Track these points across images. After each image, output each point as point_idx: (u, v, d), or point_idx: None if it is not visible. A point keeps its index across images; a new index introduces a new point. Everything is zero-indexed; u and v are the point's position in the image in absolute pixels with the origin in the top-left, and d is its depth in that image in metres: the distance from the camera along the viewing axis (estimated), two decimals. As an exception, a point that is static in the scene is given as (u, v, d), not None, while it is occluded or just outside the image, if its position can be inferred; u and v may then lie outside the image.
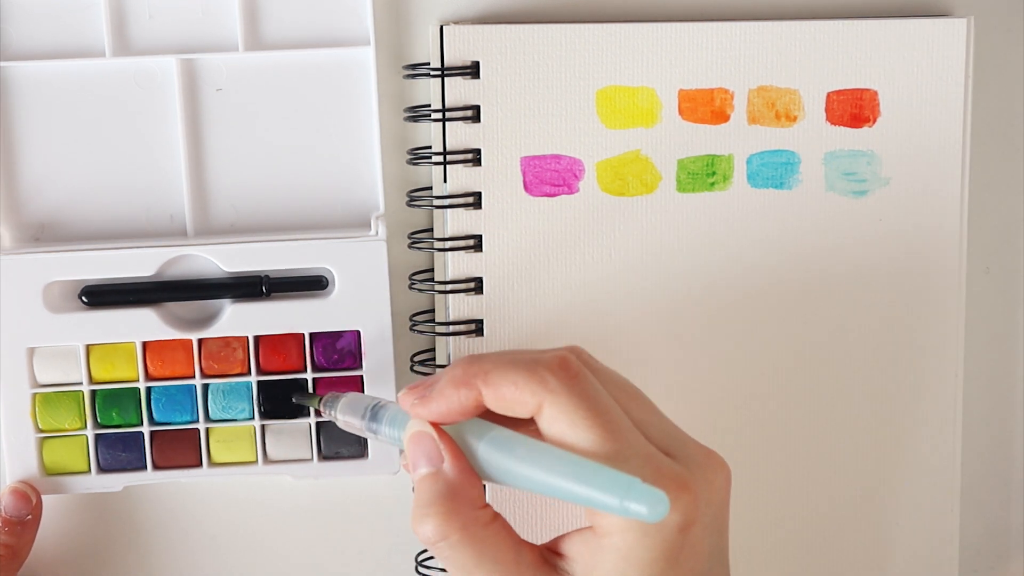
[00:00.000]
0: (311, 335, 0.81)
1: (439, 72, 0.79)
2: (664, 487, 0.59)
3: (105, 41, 0.79)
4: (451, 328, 0.81)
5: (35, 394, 0.81)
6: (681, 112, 0.80)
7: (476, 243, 0.80)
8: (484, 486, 0.65)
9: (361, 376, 0.82)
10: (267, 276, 0.81)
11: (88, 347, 0.80)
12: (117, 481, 0.82)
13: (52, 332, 0.80)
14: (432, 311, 0.83)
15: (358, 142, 0.82)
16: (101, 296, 0.81)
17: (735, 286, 0.82)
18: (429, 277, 0.82)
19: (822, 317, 0.83)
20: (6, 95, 0.80)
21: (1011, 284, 0.87)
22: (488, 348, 0.81)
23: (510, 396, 0.63)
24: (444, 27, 0.79)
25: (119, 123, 0.81)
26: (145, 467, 0.82)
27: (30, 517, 0.81)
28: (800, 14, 0.82)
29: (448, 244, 0.80)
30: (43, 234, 0.81)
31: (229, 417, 0.82)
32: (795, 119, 0.81)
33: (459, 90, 0.79)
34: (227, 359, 0.81)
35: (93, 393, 0.81)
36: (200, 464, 0.82)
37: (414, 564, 0.85)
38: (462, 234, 0.80)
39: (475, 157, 0.80)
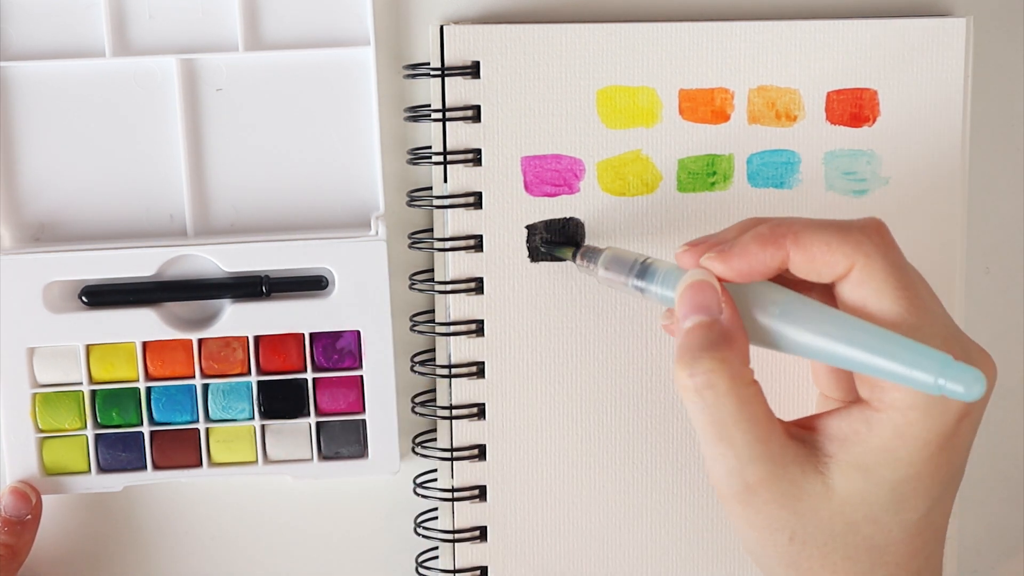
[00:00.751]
0: (311, 335, 0.81)
1: (439, 72, 0.79)
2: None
3: (105, 41, 0.79)
4: (451, 328, 0.81)
5: (35, 394, 0.81)
6: (681, 112, 0.80)
7: (476, 243, 0.80)
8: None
9: (361, 376, 0.82)
10: (267, 276, 0.81)
11: (88, 347, 0.80)
12: (117, 481, 0.82)
13: (52, 332, 0.80)
14: (432, 311, 0.83)
15: (358, 142, 0.82)
16: (101, 296, 0.81)
17: (735, 286, 0.82)
18: (429, 277, 0.82)
19: (822, 317, 0.83)
20: (6, 95, 0.80)
21: (1011, 284, 0.87)
22: (488, 348, 0.81)
23: (820, 257, 0.62)
24: (444, 27, 0.79)
25: (119, 123, 0.81)
26: (145, 467, 0.82)
27: (30, 517, 0.81)
28: (800, 14, 0.83)
29: (448, 244, 0.80)
30: (43, 234, 0.81)
31: (229, 417, 0.82)
32: (795, 119, 0.81)
33: (459, 90, 0.79)
34: (227, 359, 0.81)
35: (93, 393, 0.81)
36: (200, 464, 0.82)
37: (414, 564, 0.85)
38: (462, 234, 0.80)
39: (475, 157, 0.80)
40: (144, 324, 0.80)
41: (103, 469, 0.82)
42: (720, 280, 0.64)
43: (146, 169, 0.81)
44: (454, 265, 0.81)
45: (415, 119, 0.81)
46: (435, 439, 0.83)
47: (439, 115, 0.79)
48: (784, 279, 0.66)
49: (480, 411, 0.82)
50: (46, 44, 0.80)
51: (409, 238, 0.82)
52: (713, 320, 0.63)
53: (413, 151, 0.81)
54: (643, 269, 0.71)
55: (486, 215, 0.80)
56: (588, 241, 0.81)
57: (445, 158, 0.80)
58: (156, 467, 0.82)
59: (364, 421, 0.82)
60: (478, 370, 0.81)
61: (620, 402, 0.82)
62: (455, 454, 0.82)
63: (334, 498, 0.85)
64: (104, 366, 0.81)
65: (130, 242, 0.81)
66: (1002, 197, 0.86)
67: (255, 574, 0.86)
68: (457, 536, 0.83)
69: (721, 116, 0.81)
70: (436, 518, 0.84)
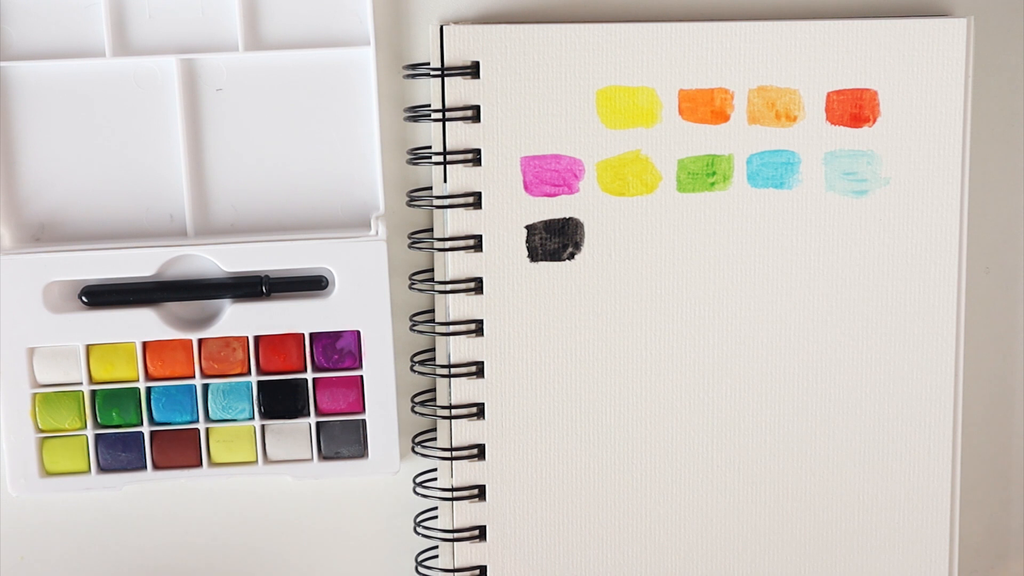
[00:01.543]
0: (311, 335, 0.82)
1: (439, 72, 0.79)
2: None
3: (105, 41, 0.79)
4: (451, 328, 0.81)
5: (35, 394, 0.81)
6: (681, 112, 0.80)
7: (476, 243, 0.80)
8: None
9: (361, 376, 0.82)
10: (267, 276, 0.81)
11: (88, 347, 0.80)
12: (117, 481, 0.82)
13: (52, 332, 0.80)
14: (432, 311, 0.83)
15: (358, 142, 0.82)
16: (101, 296, 0.81)
17: (735, 285, 0.82)
18: (429, 277, 0.82)
19: (821, 317, 0.83)
20: (7, 95, 0.80)
21: (1011, 284, 0.87)
22: (488, 348, 0.81)
23: None
24: (444, 27, 0.79)
25: (119, 123, 0.81)
26: (145, 467, 0.82)
27: None
28: (800, 14, 0.83)
29: (448, 244, 0.80)
30: (43, 234, 0.81)
31: (229, 417, 0.82)
32: (795, 119, 0.81)
33: (459, 90, 0.79)
34: (227, 359, 0.81)
35: (93, 393, 0.81)
36: (200, 464, 0.82)
37: (414, 563, 0.85)
38: (462, 234, 0.80)
39: (475, 157, 0.80)
40: (144, 324, 0.80)
41: (103, 469, 0.82)
42: None
43: (146, 169, 0.81)
44: (454, 265, 0.81)
45: (415, 119, 0.81)
46: (435, 439, 0.83)
47: (439, 115, 0.79)
48: None
49: (480, 411, 0.82)
50: (46, 44, 0.80)
51: (409, 238, 0.82)
52: None
53: (413, 151, 0.81)
54: None
55: (486, 215, 0.80)
56: (586, 241, 0.81)
57: (445, 158, 0.80)
58: (156, 467, 0.82)
59: (364, 421, 0.82)
60: (478, 370, 0.81)
61: (619, 402, 0.82)
62: (455, 454, 0.82)
63: (334, 498, 0.85)
64: (104, 366, 0.81)
65: (130, 242, 0.81)
66: (1002, 197, 0.86)
67: (255, 574, 0.86)
68: (456, 535, 0.83)
69: (721, 116, 0.81)
70: (436, 517, 0.84)
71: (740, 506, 0.84)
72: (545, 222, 0.81)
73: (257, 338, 0.81)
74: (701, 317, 0.82)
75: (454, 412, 0.82)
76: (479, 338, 0.81)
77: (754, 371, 0.83)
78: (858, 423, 0.84)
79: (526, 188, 0.80)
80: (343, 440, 0.83)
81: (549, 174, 0.80)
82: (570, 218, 0.81)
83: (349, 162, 0.82)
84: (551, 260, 0.81)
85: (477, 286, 0.81)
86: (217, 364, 0.81)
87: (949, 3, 0.84)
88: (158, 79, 0.81)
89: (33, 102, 0.80)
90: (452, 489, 0.82)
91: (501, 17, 0.81)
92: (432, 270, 0.82)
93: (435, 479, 0.83)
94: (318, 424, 0.82)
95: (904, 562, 0.86)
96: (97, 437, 0.81)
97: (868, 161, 0.82)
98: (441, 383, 0.82)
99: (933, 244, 0.83)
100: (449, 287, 0.81)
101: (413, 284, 0.82)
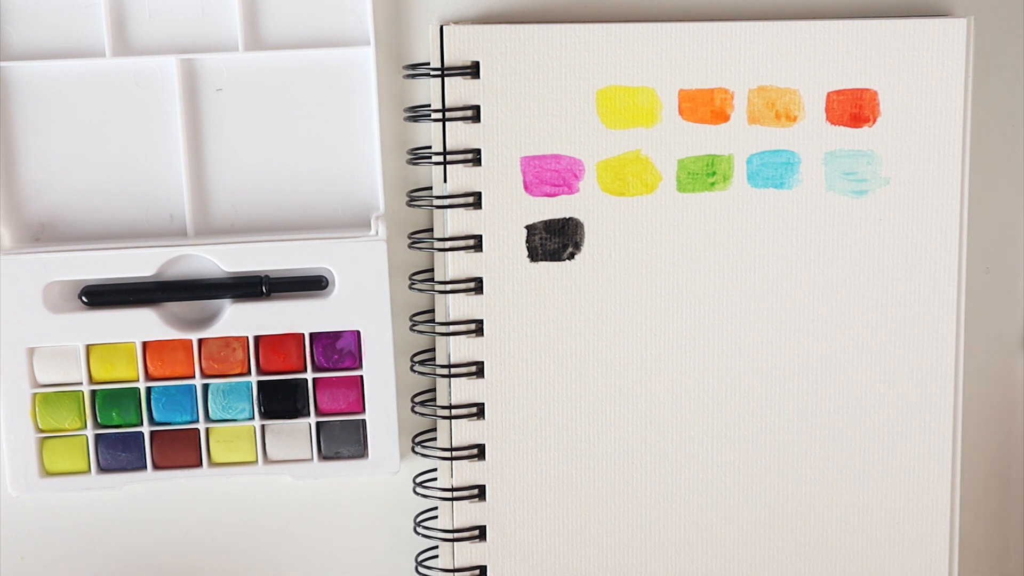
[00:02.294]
0: (311, 335, 0.82)
1: (439, 72, 0.79)
2: None
3: (105, 41, 0.79)
4: (451, 328, 0.81)
5: (35, 394, 0.81)
6: (681, 112, 0.80)
7: (476, 243, 0.80)
8: None
9: (361, 376, 0.82)
10: (267, 276, 0.81)
11: (88, 347, 0.81)
12: (117, 481, 0.82)
13: (52, 332, 0.80)
14: (432, 311, 0.83)
15: (358, 142, 0.82)
16: (101, 296, 0.81)
17: (735, 286, 0.82)
18: (429, 277, 0.82)
19: (821, 317, 0.83)
20: (6, 95, 0.80)
21: (1011, 284, 0.87)
22: (488, 348, 0.81)
23: None
24: (444, 27, 0.79)
25: (119, 123, 0.81)
26: (145, 467, 0.82)
27: None
28: (800, 14, 0.83)
29: (448, 244, 0.80)
30: (43, 234, 0.81)
31: (229, 417, 0.82)
32: (795, 119, 0.81)
33: (459, 90, 0.79)
34: (227, 359, 0.81)
35: (93, 393, 0.81)
36: (200, 464, 0.82)
37: (414, 564, 0.85)
38: (462, 234, 0.80)
39: (475, 157, 0.80)
40: (144, 324, 0.81)
41: (103, 469, 0.82)
42: None
43: (146, 169, 0.81)
44: (454, 265, 0.81)
45: (415, 119, 0.81)
46: (435, 439, 0.83)
47: (439, 115, 0.79)
48: None
49: (479, 411, 0.82)
50: (46, 44, 0.80)
51: (409, 238, 0.82)
52: None
53: (413, 151, 0.81)
54: None
55: (486, 215, 0.80)
56: (586, 241, 0.81)
57: (445, 158, 0.80)
58: (156, 467, 0.82)
59: (364, 421, 0.82)
60: (477, 370, 0.81)
61: (619, 402, 0.82)
62: (454, 453, 0.82)
63: (334, 497, 0.85)
64: (104, 366, 0.81)
65: (130, 242, 0.81)
66: (1002, 197, 0.86)
67: (255, 574, 0.86)
68: (456, 535, 0.83)
69: (721, 116, 0.81)
70: (436, 517, 0.84)
71: (740, 505, 0.84)
72: (545, 222, 0.81)
73: (257, 338, 0.81)
74: (701, 317, 0.82)
75: (454, 412, 0.82)
76: (479, 338, 0.81)
77: (754, 371, 0.83)
78: (858, 423, 0.84)
79: (526, 188, 0.80)
80: (343, 440, 0.83)
81: (549, 174, 0.80)
82: (570, 218, 0.81)
83: (349, 162, 0.82)
84: (551, 260, 0.81)
85: (477, 286, 0.81)
86: (217, 364, 0.81)
87: (949, 3, 0.84)
88: (158, 79, 0.81)
89: (33, 102, 0.80)
90: (452, 489, 0.82)
91: (501, 17, 0.81)
92: (432, 270, 0.82)
93: (435, 479, 0.83)
94: (318, 424, 0.82)
95: (904, 562, 0.86)
96: (97, 437, 0.81)
97: (868, 161, 0.82)
98: (441, 383, 0.82)
99: (933, 244, 0.83)
100: (449, 287, 0.81)
101: (413, 284, 0.82)
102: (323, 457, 0.83)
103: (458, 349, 0.81)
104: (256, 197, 0.82)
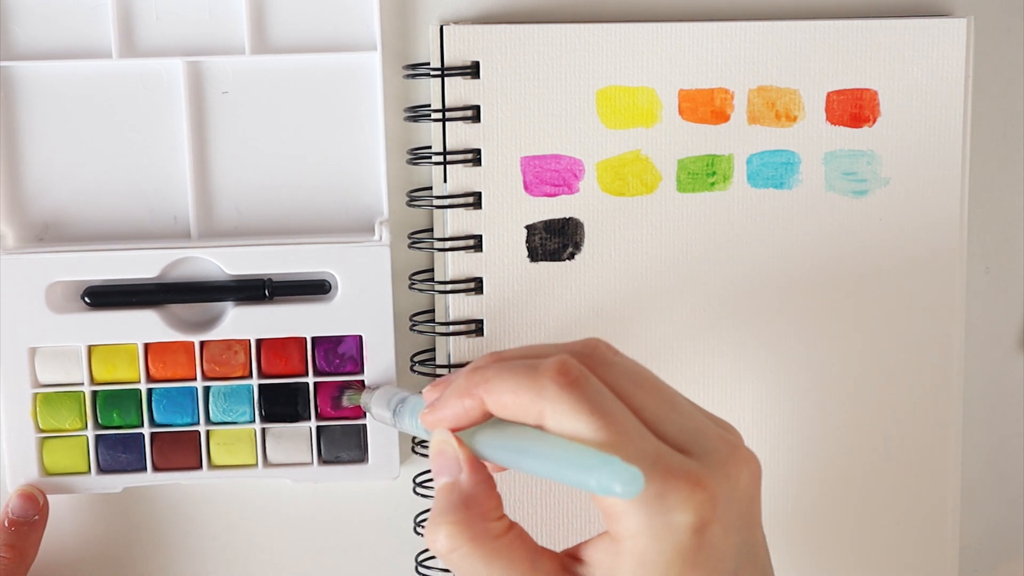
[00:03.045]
0: (313, 339, 0.81)
1: (439, 72, 0.79)
2: (674, 485, 0.58)
3: (112, 42, 0.80)
4: (451, 328, 0.81)
5: (36, 394, 0.81)
6: (681, 112, 0.81)
7: (476, 243, 0.80)
8: (500, 497, 0.65)
9: (362, 381, 0.82)
10: (270, 279, 0.81)
11: (90, 348, 0.81)
12: (117, 482, 0.82)
13: (54, 332, 0.80)
14: (432, 311, 0.83)
15: (363, 146, 0.82)
16: (103, 297, 0.81)
17: (735, 286, 0.82)
18: (429, 277, 0.82)
19: (822, 317, 0.83)
20: (12, 95, 0.81)
21: (1011, 284, 0.87)
22: (488, 348, 0.81)
23: (511, 403, 0.63)
24: (444, 27, 0.79)
25: (124, 124, 0.81)
26: (145, 468, 0.82)
27: (37, 518, 0.81)
28: (800, 14, 0.83)
29: (448, 244, 0.80)
30: (47, 234, 0.82)
31: (230, 420, 0.82)
32: (795, 119, 0.81)
33: (459, 90, 0.79)
34: (228, 362, 0.81)
35: (94, 394, 0.81)
36: (200, 466, 0.82)
37: (414, 564, 0.84)
38: (462, 234, 0.80)
39: (475, 157, 0.80)
40: (146, 325, 0.81)
41: (103, 470, 0.82)
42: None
43: (150, 171, 0.82)
44: (453, 265, 0.81)
45: (415, 119, 0.81)
46: (435, 439, 0.83)
47: (439, 115, 0.80)
48: None
49: (479, 411, 0.82)
50: (52, 44, 0.80)
51: (409, 238, 0.82)
52: (454, 481, 0.65)
53: (413, 151, 0.81)
54: (398, 405, 0.74)
55: (486, 215, 0.80)
56: (586, 241, 0.81)
57: (445, 158, 0.80)
58: (156, 469, 0.82)
59: (364, 426, 0.82)
60: (477, 370, 0.81)
61: (619, 402, 0.82)
62: (454, 454, 0.82)
63: (334, 497, 0.85)
64: (105, 367, 0.81)
65: (133, 243, 0.81)
66: (1002, 197, 0.86)
67: (254, 575, 0.86)
68: (455, 536, 0.83)
69: (721, 116, 0.81)
70: (435, 518, 0.83)
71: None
72: (545, 222, 0.81)
73: (259, 341, 0.81)
74: (701, 317, 0.82)
75: (454, 412, 0.82)
76: (479, 338, 0.81)
77: (753, 370, 0.83)
78: (858, 423, 0.84)
79: (526, 188, 0.80)
80: (343, 444, 0.82)
81: (549, 174, 0.80)
82: (570, 218, 0.81)
83: (354, 166, 0.82)
84: (551, 260, 0.81)
85: (477, 286, 0.81)
86: (218, 367, 0.81)
87: (949, 3, 0.84)
88: (164, 81, 0.81)
89: (39, 102, 0.81)
90: (451, 490, 0.82)
91: (501, 17, 0.81)
92: (432, 270, 0.82)
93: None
94: (318, 428, 0.82)
95: (904, 561, 0.85)
96: (97, 438, 0.81)
97: (868, 161, 0.82)
98: (441, 383, 0.82)
99: (933, 244, 0.82)
100: (449, 287, 0.81)
101: (413, 284, 0.82)
102: (323, 461, 0.83)
103: (458, 349, 0.81)
104: (260, 200, 0.82)
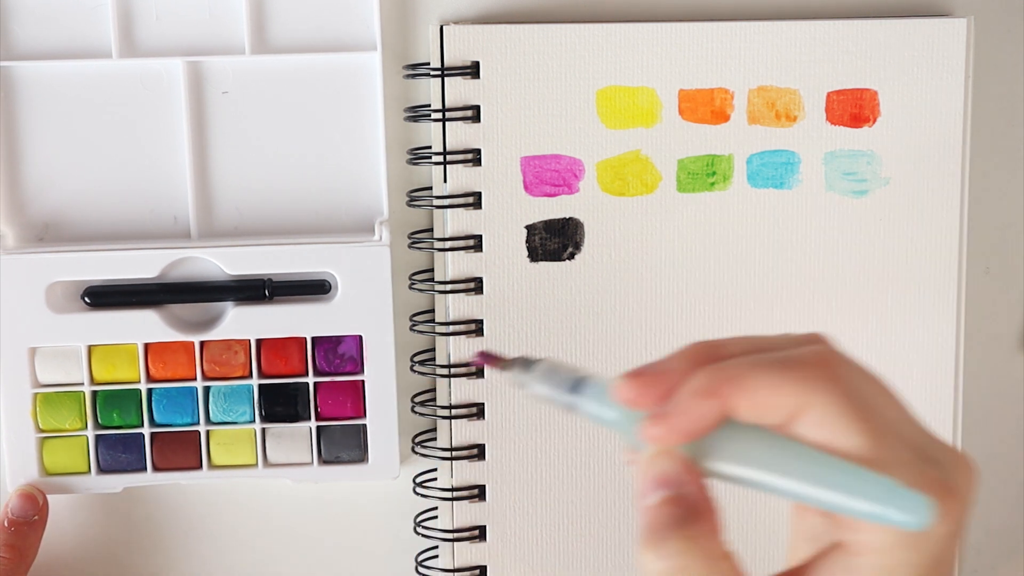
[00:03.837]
0: (313, 339, 0.81)
1: (439, 72, 0.79)
2: (934, 494, 0.53)
3: (112, 42, 0.80)
4: (451, 328, 0.81)
5: (36, 394, 0.81)
6: (681, 112, 0.81)
7: (476, 243, 0.80)
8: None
9: (363, 381, 0.82)
10: (270, 279, 0.81)
11: (90, 348, 0.81)
12: (117, 482, 0.82)
13: (54, 332, 0.80)
14: (432, 311, 0.83)
15: (363, 146, 0.82)
16: (103, 297, 0.81)
17: (735, 286, 0.82)
18: (429, 277, 0.82)
19: (822, 317, 0.83)
20: (12, 95, 0.81)
21: (1011, 284, 0.87)
22: (488, 347, 0.81)
23: (769, 403, 0.55)
24: (444, 27, 0.79)
25: (124, 124, 0.81)
26: (145, 468, 0.82)
27: (36, 518, 0.81)
28: (800, 14, 0.83)
29: (448, 244, 0.80)
30: (47, 234, 0.82)
31: (230, 420, 0.82)
32: (795, 119, 0.81)
33: (459, 90, 0.79)
34: (228, 362, 0.81)
35: (94, 394, 0.81)
36: (200, 466, 0.82)
37: (414, 564, 0.85)
38: (462, 234, 0.80)
39: (475, 157, 0.80)
40: (146, 325, 0.81)
41: (103, 470, 0.82)
42: None
43: (151, 171, 0.82)
44: (454, 265, 0.81)
45: (415, 119, 0.81)
46: (435, 439, 0.83)
47: (439, 115, 0.80)
48: None
49: (479, 411, 0.82)
50: (53, 44, 0.80)
51: (409, 238, 0.82)
52: (679, 495, 0.56)
53: (413, 151, 0.81)
54: (578, 387, 0.61)
55: (486, 215, 0.80)
56: (586, 241, 0.81)
57: (445, 158, 0.80)
58: (156, 468, 0.82)
59: (364, 426, 0.82)
60: (477, 370, 0.81)
61: (619, 402, 0.82)
62: (454, 454, 0.82)
63: (334, 497, 0.85)
64: (105, 367, 0.81)
65: (133, 243, 0.81)
66: (1002, 197, 0.86)
67: (254, 575, 0.86)
68: (456, 535, 0.83)
69: (721, 116, 0.81)
70: (436, 517, 0.84)
71: (740, 505, 0.84)
72: (545, 222, 0.81)
73: (259, 341, 0.81)
74: (701, 317, 0.82)
75: (454, 412, 0.82)
76: (479, 338, 0.81)
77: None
78: (859, 425, 0.84)
79: (526, 188, 0.80)
80: (343, 445, 0.82)
81: (549, 174, 0.80)
82: (570, 218, 0.81)
83: (354, 166, 0.82)
84: (551, 260, 0.81)
85: (477, 286, 0.81)
86: (219, 367, 0.81)
87: (949, 3, 0.84)
88: (164, 81, 0.81)
89: (39, 102, 0.81)
90: (452, 489, 0.82)
91: (501, 17, 0.81)
92: (432, 270, 0.82)
93: (435, 479, 0.83)
94: (318, 428, 0.82)
95: (904, 562, 0.85)
96: (97, 438, 0.81)
97: (868, 161, 0.82)
98: (441, 383, 0.82)
99: (933, 244, 0.82)
100: (449, 287, 0.81)
101: (413, 284, 0.82)
102: (323, 461, 0.83)
103: (458, 349, 0.81)
104: (260, 200, 0.82)
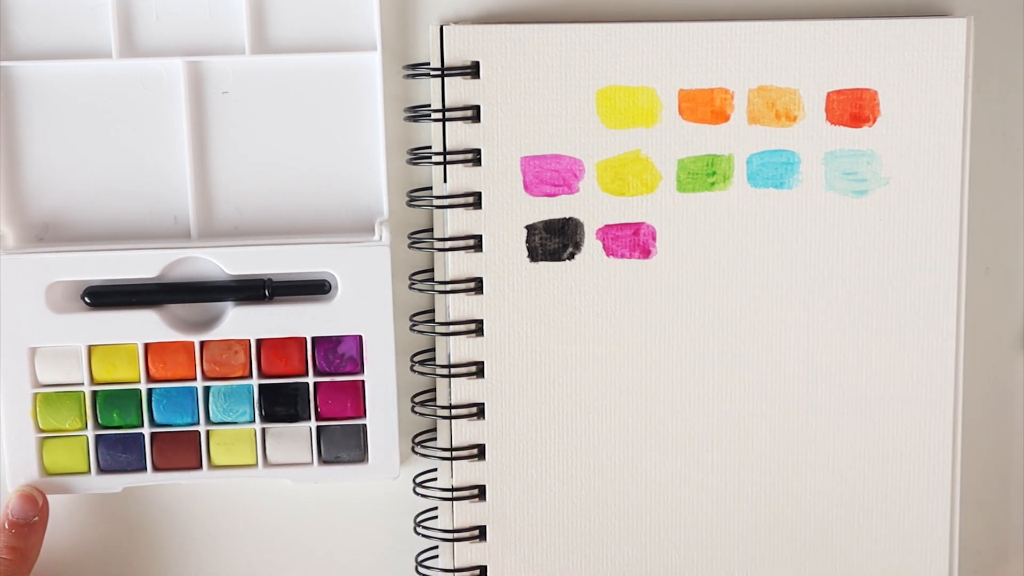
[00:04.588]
0: (313, 339, 0.81)
1: (439, 72, 0.79)
2: None
3: (112, 42, 0.80)
4: (451, 328, 0.81)
5: (36, 394, 0.81)
6: (681, 112, 0.81)
7: (476, 243, 0.80)
8: None
9: (363, 381, 0.82)
10: (270, 279, 0.81)
11: (90, 348, 0.81)
12: (117, 482, 0.82)
13: (54, 332, 0.80)
14: (432, 311, 0.83)
15: (363, 146, 0.82)
16: (103, 297, 0.81)
17: (735, 285, 0.82)
18: (429, 277, 0.82)
19: (821, 317, 0.83)
20: (12, 95, 0.81)
21: (1011, 284, 0.87)
22: (488, 348, 0.81)
23: None
24: (444, 27, 0.79)
25: (124, 124, 0.81)
26: (145, 468, 0.82)
27: (37, 519, 0.81)
28: (800, 14, 0.83)
29: (448, 244, 0.80)
30: (47, 234, 0.82)
31: (230, 420, 0.82)
32: (795, 119, 0.81)
33: (459, 90, 0.79)
34: (228, 362, 0.81)
35: (94, 394, 0.81)
36: (200, 466, 0.82)
37: (414, 564, 0.85)
38: (462, 234, 0.80)
39: (475, 157, 0.80)
40: (146, 325, 0.81)
41: (103, 470, 0.82)
42: None
43: (150, 171, 0.82)
44: (454, 265, 0.81)
45: (415, 119, 0.81)
46: (435, 439, 0.83)
47: (439, 115, 0.80)
48: None
49: (479, 411, 0.82)
50: (53, 44, 0.80)
51: (409, 238, 0.82)
52: None
53: (413, 151, 0.81)
54: None
55: (486, 215, 0.80)
56: (587, 240, 0.81)
57: (445, 158, 0.80)
58: (156, 469, 0.82)
59: (364, 426, 0.82)
60: (477, 370, 0.81)
61: (619, 401, 0.82)
62: (455, 454, 0.82)
63: (334, 497, 0.85)
64: (105, 367, 0.81)
65: (133, 243, 0.81)
66: (1002, 197, 0.86)
67: (254, 575, 0.86)
68: (457, 535, 0.83)
69: (721, 116, 0.81)
70: (436, 517, 0.84)
71: (740, 505, 0.84)
72: (545, 222, 0.81)
73: (259, 341, 0.81)
74: (701, 316, 0.82)
75: (454, 412, 0.82)
76: (479, 338, 0.81)
77: (753, 370, 0.83)
78: (858, 423, 0.84)
79: (526, 188, 0.80)
80: (343, 445, 0.82)
81: (549, 174, 0.80)
82: (570, 218, 0.81)
83: (354, 166, 0.82)
84: (551, 260, 0.81)
85: (477, 286, 0.81)
86: (219, 367, 0.81)
87: (949, 3, 0.84)
88: (164, 81, 0.81)
89: (39, 102, 0.81)
90: (452, 489, 0.82)
91: (501, 17, 0.81)
92: (432, 270, 0.82)
93: (435, 479, 0.83)
94: (318, 428, 0.82)
95: (904, 562, 0.85)
96: (97, 438, 0.81)
97: (868, 161, 0.82)
98: (441, 383, 0.82)
99: (933, 244, 0.82)
100: (449, 287, 0.81)
101: (413, 284, 0.82)
102: (323, 461, 0.83)
103: (458, 349, 0.81)
104: (260, 200, 0.82)
